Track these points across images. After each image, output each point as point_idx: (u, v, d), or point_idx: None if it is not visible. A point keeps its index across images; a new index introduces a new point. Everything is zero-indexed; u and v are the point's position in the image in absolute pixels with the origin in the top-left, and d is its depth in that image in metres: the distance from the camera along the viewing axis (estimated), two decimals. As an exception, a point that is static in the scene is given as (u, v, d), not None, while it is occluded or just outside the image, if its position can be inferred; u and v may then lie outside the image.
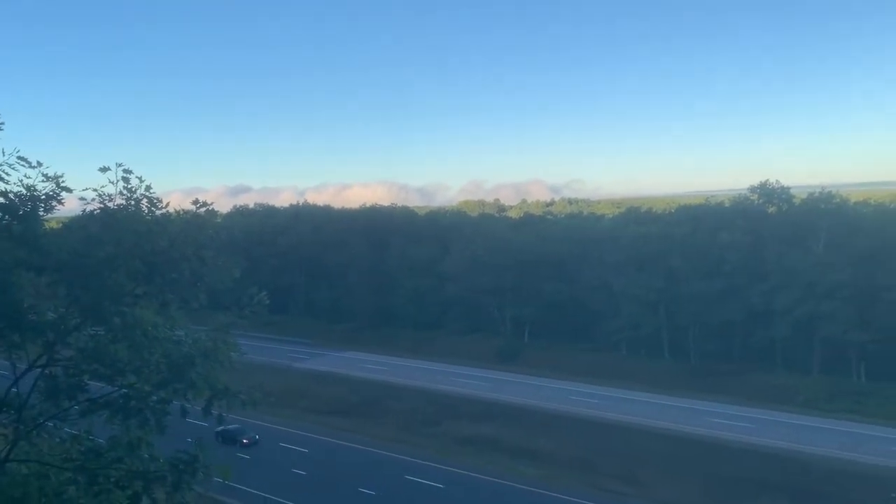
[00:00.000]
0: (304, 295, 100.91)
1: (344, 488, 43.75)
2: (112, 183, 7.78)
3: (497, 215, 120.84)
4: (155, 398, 7.48)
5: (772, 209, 74.67)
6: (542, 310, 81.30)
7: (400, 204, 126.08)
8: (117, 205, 7.80)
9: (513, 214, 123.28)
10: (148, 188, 7.87)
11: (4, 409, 7.80)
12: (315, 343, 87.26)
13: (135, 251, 7.59)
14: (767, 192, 74.95)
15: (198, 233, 7.79)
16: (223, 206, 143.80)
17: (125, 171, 7.80)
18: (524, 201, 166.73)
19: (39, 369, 7.70)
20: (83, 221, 7.94)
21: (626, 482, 46.05)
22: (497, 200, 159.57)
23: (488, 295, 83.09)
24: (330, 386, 69.10)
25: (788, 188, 75.30)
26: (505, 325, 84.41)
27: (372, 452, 51.28)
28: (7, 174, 7.57)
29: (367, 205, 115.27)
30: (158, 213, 7.89)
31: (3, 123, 7.89)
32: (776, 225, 70.98)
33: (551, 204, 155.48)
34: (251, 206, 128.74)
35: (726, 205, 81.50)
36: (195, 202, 7.90)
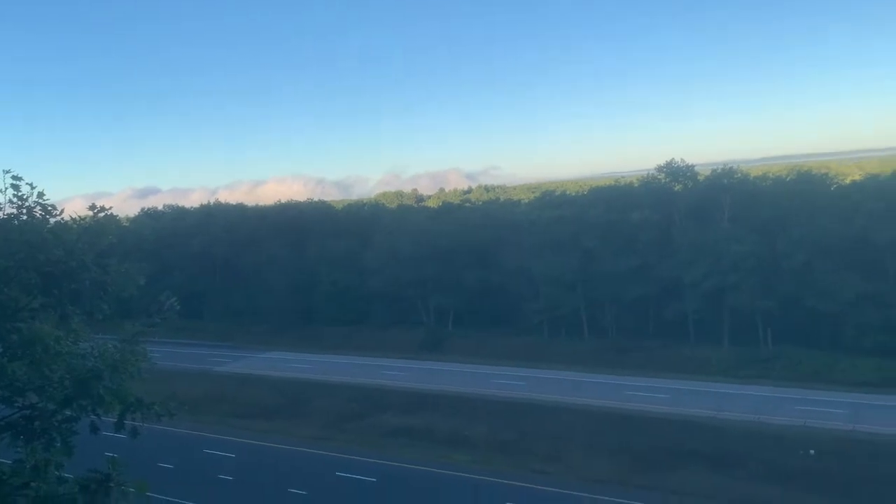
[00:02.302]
0: (221, 297, 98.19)
1: (274, 490, 43.01)
2: (0, 192, 7.33)
3: (416, 206, 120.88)
4: (60, 417, 7.07)
5: (678, 187, 77.41)
6: (465, 298, 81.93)
7: (317, 198, 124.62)
8: (7, 214, 7.34)
9: (431, 204, 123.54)
10: (41, 195, 7.44)
11: None
12: (235, 346, 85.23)
13: (28, 263, 7.14)
14: (673, 171, 77.64)
15: (97, 240, 7.39)
16: (131, 210, 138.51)
17: (14, 177, 7.35)
18: (442, 190, 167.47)
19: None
20: (-31, 234, 7.42)
21: (552, 461, 47.07)
22: (415, 191, 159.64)
23: (411, 286, 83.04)
24: (253, 388, 67.66)
25: (693, 166, 78.20)
26: (428, 315, 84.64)
27: (300, 452, 50.56)
28: None
29: (283, 201, 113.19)
30: (53, 220, 7.46)
31: None
32: (683, 202, 73.70)
33: (469, 192, 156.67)
34: (160, 207, 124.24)
35: (635, 185, 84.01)
36: (92, 207, 7.50)
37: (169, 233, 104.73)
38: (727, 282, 65.62)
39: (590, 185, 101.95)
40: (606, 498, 40.34)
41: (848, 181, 78.79)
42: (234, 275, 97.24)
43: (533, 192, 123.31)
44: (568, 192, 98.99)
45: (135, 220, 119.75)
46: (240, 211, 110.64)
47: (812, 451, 45.11)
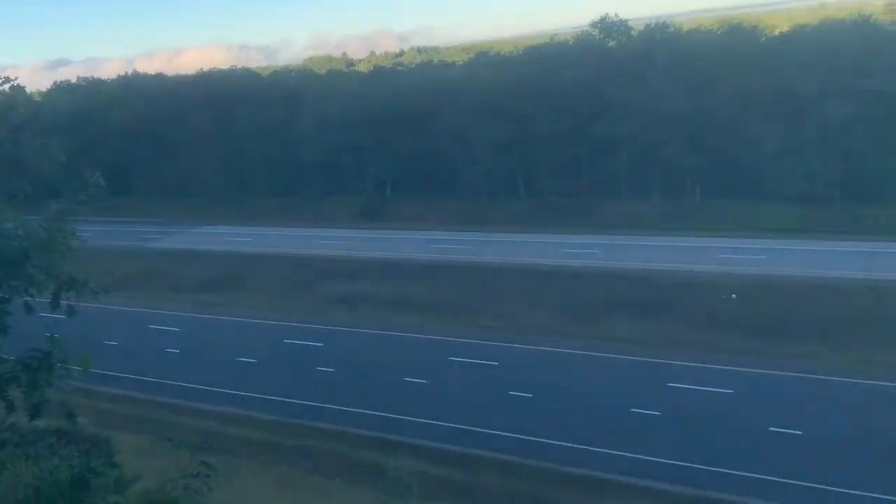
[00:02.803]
0: (148, 173, 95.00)
1: (222, 360, 43.75)
2: None
3: (346, 70, 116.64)
4: (-10, 299, 6.88)
5: (612, 43, 76.58)
6: (402, 164, 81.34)
7: (241, 66, 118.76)
8: None
9: (362, 68, 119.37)
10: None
11: None
12: (167, 221, 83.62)
13: (-69, 141, 6.67)
14: (607, 27, 76.49)
15: (7, 114, 6.91)
16: (41, 83, 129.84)
17: None
18: (373, 53, 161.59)
19: None
20: None
21: (496, 318, 49.00)
22: (345, 55, 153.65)
23: (345, 154, 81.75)
24: (191, 263, 67.16)
25: (627, 21, 77.12)
26: (366, 184, 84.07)
27: (246, 323, 51.20)
28: None
29: (205, 69, 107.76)
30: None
31: None
32: (616, 59, 73.22)
33: (401, 55, 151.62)
34: (74, 80, 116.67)
35: (570, 43, 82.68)
36: (-6, 78, 6.94)
37: (86, 107, 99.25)
38: (658, 137, 66.69)
39: (525, 45, 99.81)
40: (545, 348, 42.60)
41: (777, 33, 79.22)
42: (159, 149, 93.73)
43: (467, 54, 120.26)
44: (503, 53, 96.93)
45: (47, 95, 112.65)
46: (160, 81, 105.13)
47: (734, 295, 48.05)
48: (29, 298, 7.26)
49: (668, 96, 66.15)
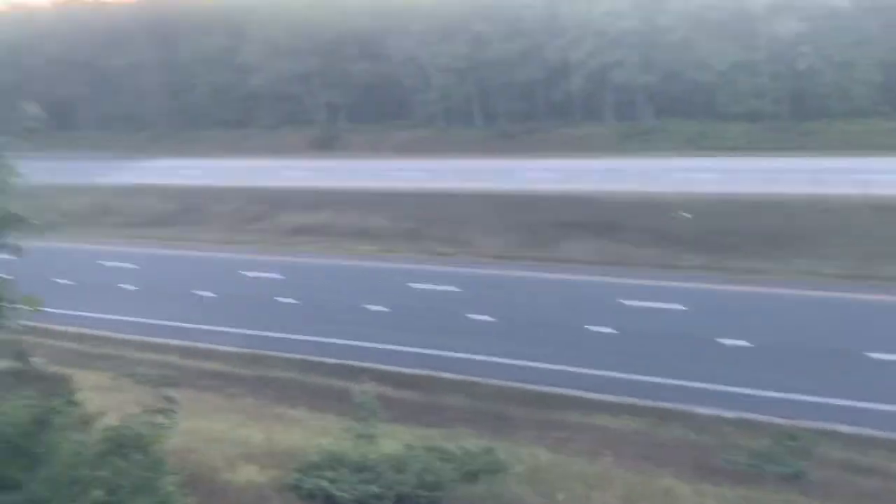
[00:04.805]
0: (93, 106, 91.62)
1: (180, 295, 43.41)
2: None
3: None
4: (-68, 240, 6.75)
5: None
6: (355, 92, 79.84)
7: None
8: None
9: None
10: None
11: None
12: (115, 156, 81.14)
13: None
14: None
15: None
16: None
17: None
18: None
19: None
20: None
21: (453, 244, 49.32)
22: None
23: (295, 82, 79.79)
24: (142, 198, 65.69)
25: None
26: (319, 113, 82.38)
27: (203, 257, 50.70)
28: None
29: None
30: None
31: None
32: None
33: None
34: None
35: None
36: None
37: (16, 39, 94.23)
38: (611, 59, 66.43)
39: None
40: (502, 272, 43.29)
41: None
42: (101, 80, 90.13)
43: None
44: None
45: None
46: (98, 8, 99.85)
47: (686, 214, 48.95)
48: (-28, 238, 7.13)
49: (620, 16, 65.55)
